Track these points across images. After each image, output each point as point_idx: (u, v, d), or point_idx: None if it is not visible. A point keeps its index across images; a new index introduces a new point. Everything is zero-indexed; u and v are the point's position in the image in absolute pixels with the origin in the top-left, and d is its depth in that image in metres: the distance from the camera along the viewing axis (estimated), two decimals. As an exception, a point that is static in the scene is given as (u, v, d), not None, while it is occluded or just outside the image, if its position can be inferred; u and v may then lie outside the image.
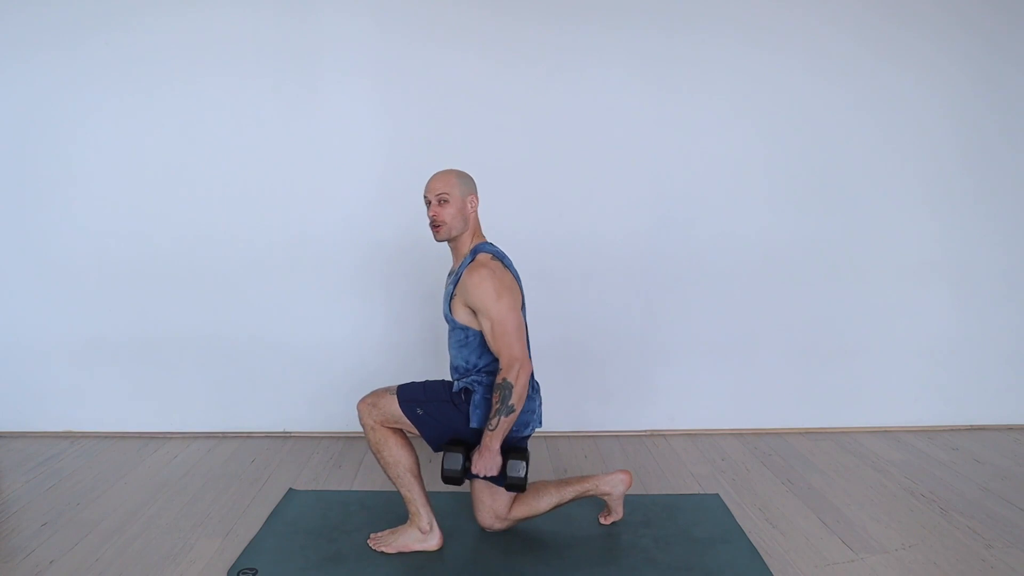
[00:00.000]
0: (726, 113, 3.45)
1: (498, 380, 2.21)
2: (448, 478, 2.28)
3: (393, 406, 2.30)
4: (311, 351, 3.50)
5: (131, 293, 3.44)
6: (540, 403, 2.45)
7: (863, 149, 3.50)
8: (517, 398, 2.19)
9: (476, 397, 2.29)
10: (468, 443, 2.33)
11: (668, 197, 3.48)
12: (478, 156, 3.38)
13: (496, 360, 2.28)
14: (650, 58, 3.40)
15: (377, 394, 2.34)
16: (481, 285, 2.21)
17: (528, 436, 2.42)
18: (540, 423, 2.45)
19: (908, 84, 3.48)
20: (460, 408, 2.31)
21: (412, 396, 2.31)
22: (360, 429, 3.42)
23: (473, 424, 2.28)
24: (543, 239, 3.44)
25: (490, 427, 2.22)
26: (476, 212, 2.37)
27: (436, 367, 3.34)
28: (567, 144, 3.43)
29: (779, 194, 3.51)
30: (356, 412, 2.34)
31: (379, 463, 2.35)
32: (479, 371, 2.33)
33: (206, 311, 3.46)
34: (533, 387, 2.43)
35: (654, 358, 3.56)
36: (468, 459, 2.29)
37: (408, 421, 2.29)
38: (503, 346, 2.21)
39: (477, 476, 2.29)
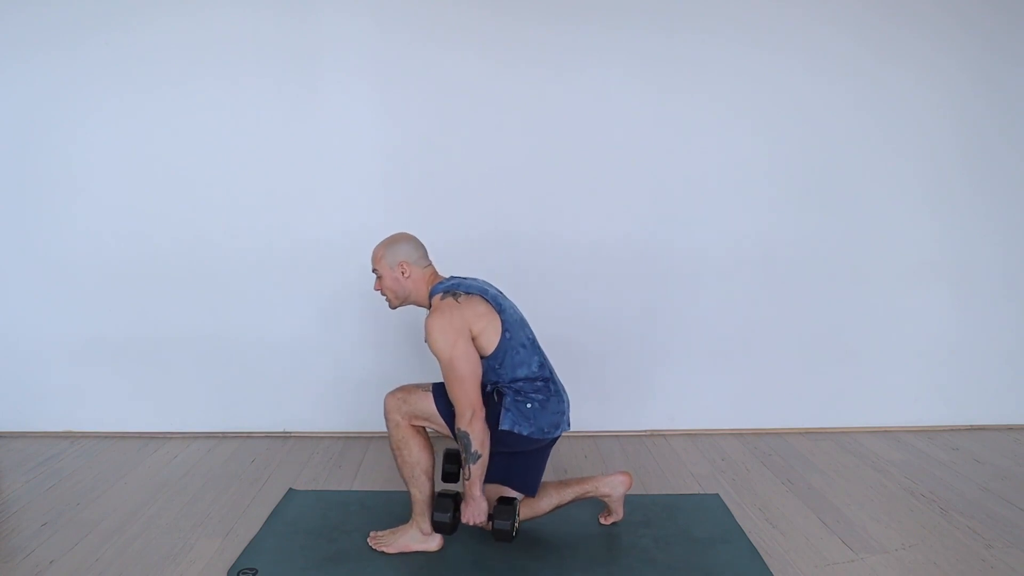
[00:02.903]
0: (726, 113, 3.45)
1: (456, 430, 2.23)
2: (438, 527, 2.30)
3: (424, 402, 2.30)
4: (311, 351, 3.50)
5: (131, 293, 3.44)
6: (568, 404, 2.44)
7: (863, 149, 3.50)
8: (479, 444, 2.21)
9: (507, 400, 2.29)
10: (456, 493, 2.34)
11: (668, 197, 3.48)
12: (478, 156, 3.39)
13: (519, 368, 2.29)
14: (650, 58, 3.40)
15: (407, 389, 2.34)
16: (431, 334, 2.22)
17: (557, 437, 2.42)
18: (569, 425, 2.44)
19: (908, 84, 3.47)
20: (491, 408, 2.30)
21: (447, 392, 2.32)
22: (364, 428, 3.47)
23: (503, 427, 2.27)
24: (543, 239, 3.44)
25: (465, 477, 2.25)
26: (415, 274, 2.37)
27: (435, 370, 3.33)
28: (567, 144, 3.43)
29: (779, 194, 3.51)
30: (383, 405, 2.33)
31: (396, 460, 2.35)
32: (505, 384, 2.32)
33: (206, 311, 3.46)
34: (561, 388, 2.41)
35: (654, 358, 3.56)
36: (457, 508, 2.32)
37: (438, 418, 2.30)
38: (456, 393, 2.22)
39: (467, 524, 2.31)
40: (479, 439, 2.21)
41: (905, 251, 3.56)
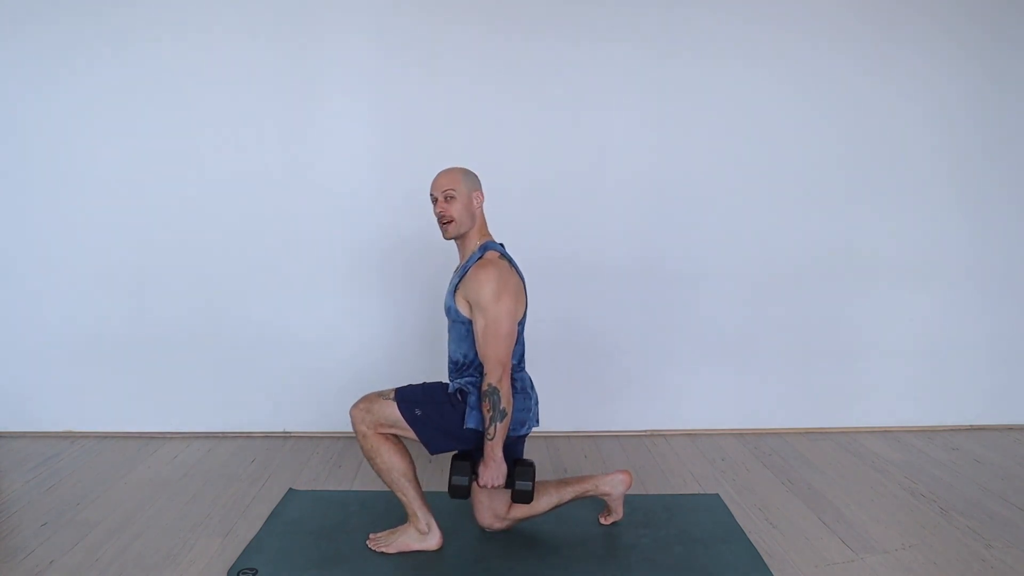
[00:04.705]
0: (727, 114, 3.45)
1: (484, 387, 2.22)
2: (456, 492, 2.28)
3: (388, 410, 2.28)
4: (311, 351, 3.50)
5: (131, 293, 3.44)
6: (536, 401, 2.45)
7: (863, 150, 3.50)
8: (506, 401, 2.21)
9: (472, 399, 2.29)
10: (473, 457, 2.33)
11: (669, 197, 3.48)
12: (478, 155, 3.36)
13: None
14: (650, 58, 3.40)
15: (370, 399, 2.32)
16: (486, 283, 2.21)
17: (525, 435, 2.42)
18: (537, 422, 2.45)
19: (906, 85, 3.47)
20: (457, 408, 2.30)
21: (410, 397, 2.31)
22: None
23: (469, 425, 2.28)
24: (543, 239, 3.43)
25: (488, 436, 2.23)
26: (482, 208, 2.37)
27: (436, 368, 3.33)
28: (567, 145, 3.43)
29: (779, 195, 3.51)
30: (349, 418, 2.31)
31: (373, 469, 2.35)
32: (475, 368, 2.33)
33: (206, 311, 3.46)
34: (529, 385, 2.43)
35: (654, 358, 3.57)
36: (475, 472, 2.30)
37: (404, 424, 2.28)
38: (491, 349, 2.21)
39: (485, 487, 2.30)
40: (507, 396, 2.21)
41: (905, 252, 3.56)
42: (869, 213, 3.53)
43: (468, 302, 2.27)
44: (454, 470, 2.28)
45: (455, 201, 2.30)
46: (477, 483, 2.31)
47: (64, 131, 3.36)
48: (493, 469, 2.26)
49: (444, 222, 2.32)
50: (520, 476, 2.29)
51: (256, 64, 3.34)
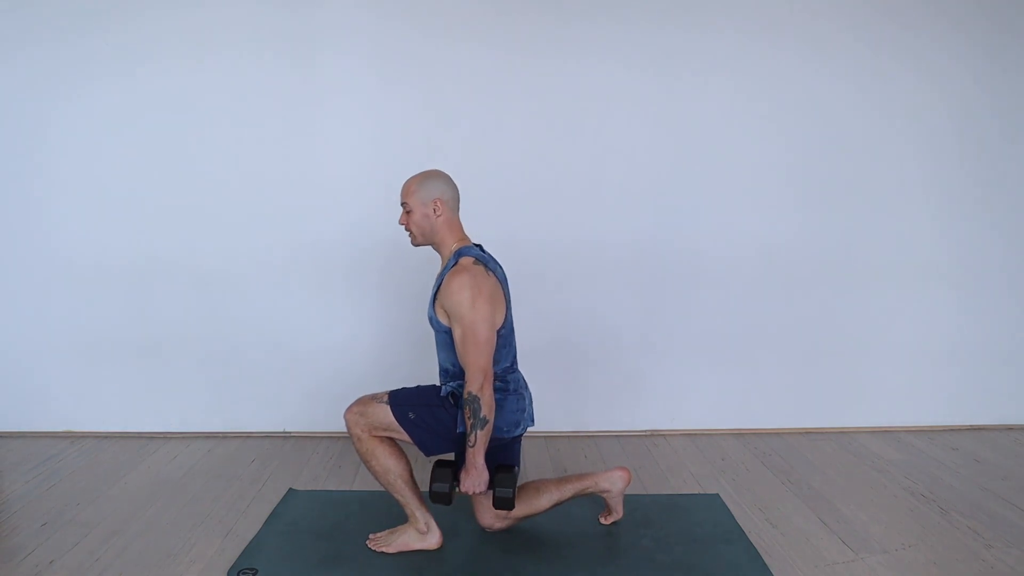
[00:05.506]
0: (726, 113, 3.45)
1: (464, 395, 2.20)
2: (437, 498, 2.27)
3: (382, 413, 2.27)
4: (311, 351, 3.50)
5: (131, 293, 3.44)
6: (531, 401, 2.44)
7: (863, 149, 3.50)
8: (487, 409, 2.19)
9: (463, 402, 2.29)
10: (455, 462, 2.32)
11: (668, 196, 3.48)
12: (476, 156, 3.39)
13: (496, 364, 2.27)
14: (651, 58, 3.40)
15: (364, 402, 2.31)
16: (459, 292, 2.19)
17: (520, 435, 2.42)
18: (532, 422, 2.44)
19: (910, 85, 3.48)
20: (450, 411, 2.29)
21: (404, 400, 2.30)
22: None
23: (461, 428, 2.27)
24: (543, 239, 3.44)
25: (469, 444, 2.22)
26: (447, 215, 2.33)
27: (432, 369, 3.33)
28: (566, 144, 3.43)
29: (780, 194, 3.51)
30: (344, 422, 2.31)
31: (370, 471, 2.34)
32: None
33: (206, 312, 3.46)
34: (522, 385, 2.42)
35: (654, 358, 3.56)
36: (456, 478, 2.29)
37: (398, 427, 2.27)
38: (470, 357, 2.19)
39: (466, 494, 2.29)
40: (488, 404, 2.19)
41: (905, 251, 3.56)
42: (869, 214, 3.53)
43: (446, 311, 2.27)
44: (434, 477, 2.27)
45: (411, 214, 2.32)
46: (459, 489, 2.31)
47: (64, 133, 3.36)
48: (474, 476, 2.24)
49: (407, 232, 2.37)
50: (500, 483, 2.27)
51: (256, 70, 3.34)
